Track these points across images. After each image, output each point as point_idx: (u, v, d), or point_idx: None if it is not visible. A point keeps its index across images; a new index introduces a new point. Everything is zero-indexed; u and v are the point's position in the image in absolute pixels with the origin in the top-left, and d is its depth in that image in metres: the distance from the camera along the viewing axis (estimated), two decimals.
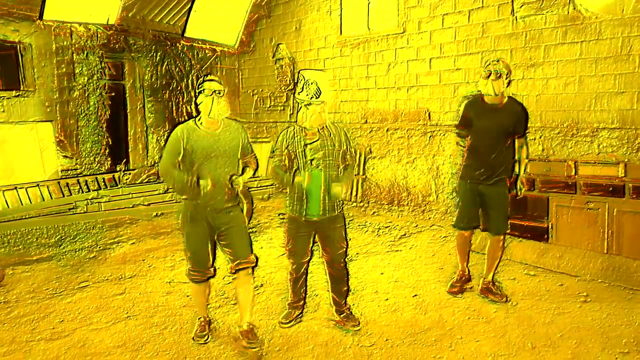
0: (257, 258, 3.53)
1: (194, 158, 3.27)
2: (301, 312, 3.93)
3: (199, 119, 3.34)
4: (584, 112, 5.58)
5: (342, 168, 3.65)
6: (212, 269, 3.52)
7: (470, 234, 4.37)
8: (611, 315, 3.87)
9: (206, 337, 3.61)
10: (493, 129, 4.00)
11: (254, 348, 3.41)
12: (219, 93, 3.27)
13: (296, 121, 3.62)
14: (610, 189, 4.96)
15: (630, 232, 4.84)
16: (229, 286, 4.53)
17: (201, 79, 3.35)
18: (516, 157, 4.13)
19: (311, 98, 3.43)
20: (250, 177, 3.57)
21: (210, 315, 3.82)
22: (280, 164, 3.61)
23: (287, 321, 3.84)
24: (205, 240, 3.42)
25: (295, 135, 3.57)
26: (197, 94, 3.31)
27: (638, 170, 4.90)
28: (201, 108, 3.29)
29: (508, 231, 4.30)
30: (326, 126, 3.59)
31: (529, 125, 4.07)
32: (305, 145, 3.52)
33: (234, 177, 3.35)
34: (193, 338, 3.61)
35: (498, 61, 3.95)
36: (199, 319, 3.71)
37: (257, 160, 3.65)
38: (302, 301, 3.93)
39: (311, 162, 3.51)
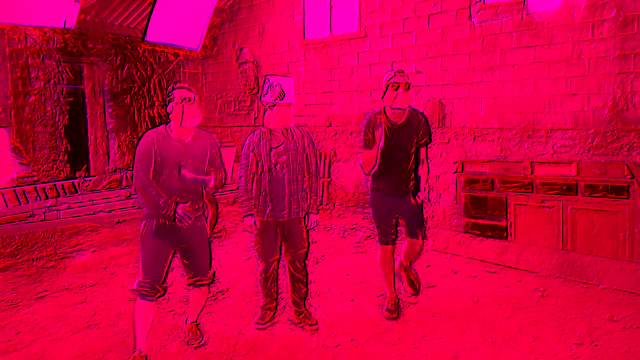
0: (214, 274, 3.53)
1: (163, 167, 3.16)
2: (274, 313, 3.94)
3: (170, 127, 3.22)
4: (539, 114, 5.78)
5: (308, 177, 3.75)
6: (163, 287, 3.29)
7: (393, 248, 4.09)
8: (566, 308, 4.03)
9: None
10: (401, 145, 3.84)
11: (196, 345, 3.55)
12: (190, 100, 3.13)
13: (262, 124, 3.72)
14: (564, 187, 5.16)
15: (583, 229, 5.05)
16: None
17: (171, 86, 3.22)
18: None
19: (275, 99, 3.55)
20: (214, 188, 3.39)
21: (148, 351, 3.32)
22: (247, 167, 3.69)
23: (264, 322, 3.84)
24: (164, 256, 3.29)
25: (261, 139, 3.67)
26: (167, 102, 3.18)
27: (589, 170, 5.11)
28: (172, 117, 3.16)
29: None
30: (290, 129, 3.69)
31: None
32: (271, 149, 3.61)
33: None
34: None
35: (403, 72, 3.71)
36: (133, 352, 3.23)
37: (223, 174, 3.41)
38: (275, 302, 3.95)
39: (275, 166, 3.60)
